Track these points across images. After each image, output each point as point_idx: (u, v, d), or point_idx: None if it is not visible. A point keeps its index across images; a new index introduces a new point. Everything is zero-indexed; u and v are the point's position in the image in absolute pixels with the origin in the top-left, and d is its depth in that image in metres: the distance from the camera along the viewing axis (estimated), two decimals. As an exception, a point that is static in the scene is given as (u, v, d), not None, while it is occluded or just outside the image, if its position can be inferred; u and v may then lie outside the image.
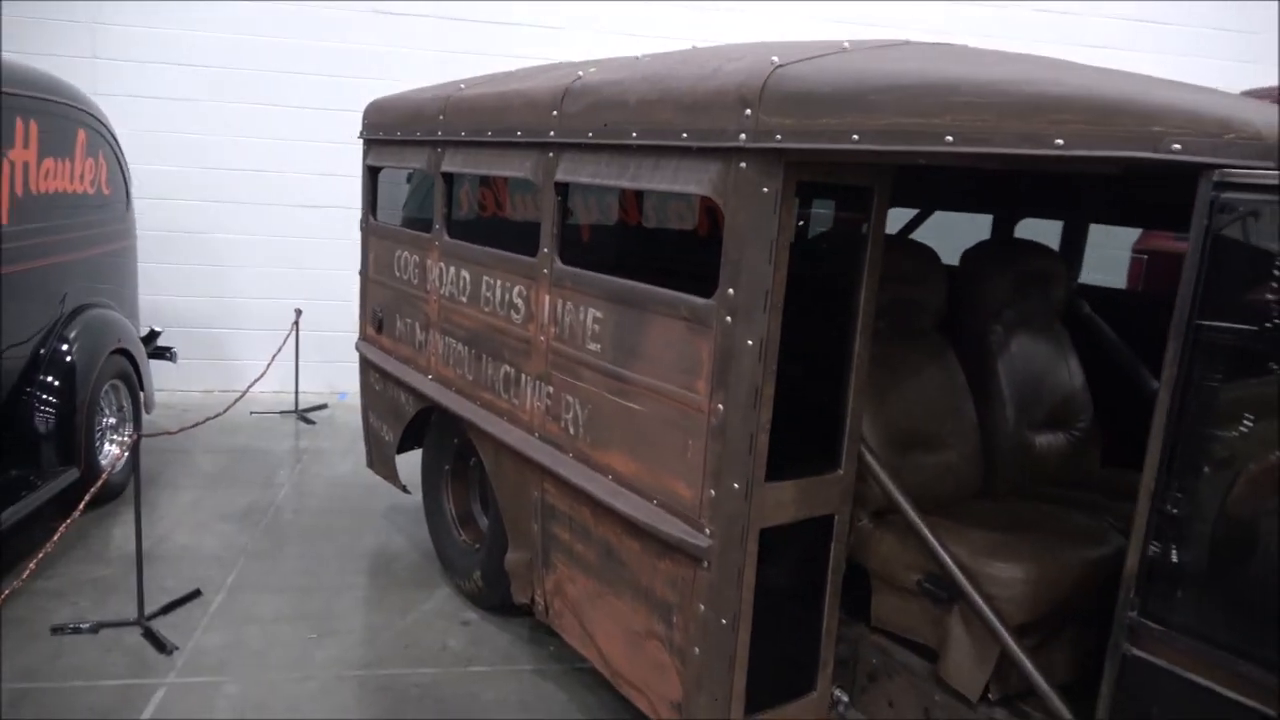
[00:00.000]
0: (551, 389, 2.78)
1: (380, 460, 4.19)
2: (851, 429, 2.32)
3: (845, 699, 2.51)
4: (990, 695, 2.24)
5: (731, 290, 2.08)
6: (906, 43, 2.21)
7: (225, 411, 4.81)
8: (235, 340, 6.58)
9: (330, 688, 3.06)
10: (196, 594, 3.59)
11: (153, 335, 5.28)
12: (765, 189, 2.01)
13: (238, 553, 4.01)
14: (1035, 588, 2.18)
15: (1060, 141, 1.59)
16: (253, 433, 5.78)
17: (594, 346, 2.56)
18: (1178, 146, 1.51)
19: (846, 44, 2.12)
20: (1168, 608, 1.61)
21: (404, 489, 4.10)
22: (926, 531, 2.25)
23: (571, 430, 2.70)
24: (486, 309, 3.12)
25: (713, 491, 2.17)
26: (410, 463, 4.02)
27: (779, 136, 1.95)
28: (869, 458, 2.36)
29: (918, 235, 3.85)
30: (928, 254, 2.79)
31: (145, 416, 4.89)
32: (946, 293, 2.80)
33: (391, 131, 3.79)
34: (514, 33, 6.40)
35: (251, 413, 6.06)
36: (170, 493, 4.65)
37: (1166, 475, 1.58)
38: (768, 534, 2.22)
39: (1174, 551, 1.60)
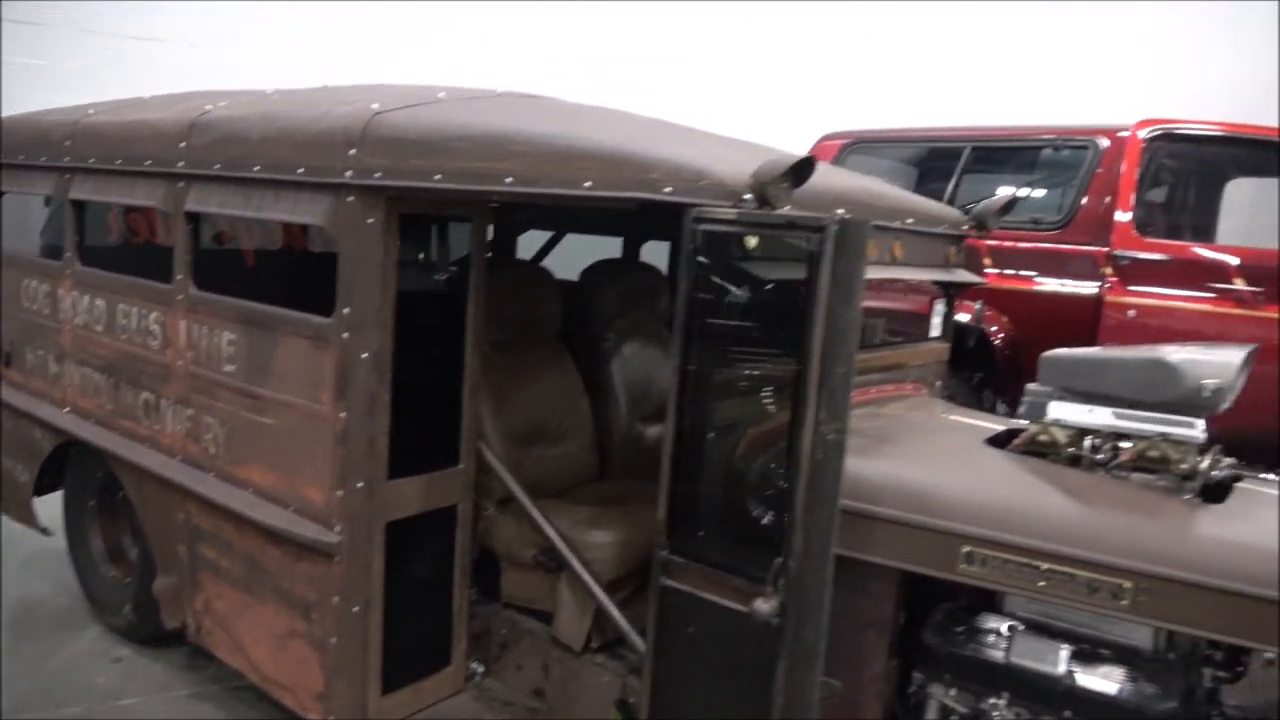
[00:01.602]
0: (191, 411, 2.86)
1: (16, 504, 3.93)
2: (468, 427, 2.65)
3: (480, 669, 2.83)
4: (592, 644, 2.65)
5: (347, 310, 2.33)
6: (497, 94, 2.59)
7: None
8: None
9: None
10: None
11: None
12: (370, 220, 2.29)
13: None
14: (622, 549, 2.63)
15: (588, 184, 2.02)
16: None
17: (229, 368, 2.70)
18: (669, 189, 1.99)
19: (442, 94, 2.46)
20: (686, 544, 2.07)
21: (45, 531, 3.88)
22: (535, 511, 2.63)
23: (212, 450, 2.80)
24: (124, 337, 3.12)
25: (340, 492, 2.40)
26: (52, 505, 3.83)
27: (378, 175, 2.24)
28: (487, 452, 2.71)
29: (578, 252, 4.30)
30: (542, 273, 3.22)
31: None
32: (561, 305, 3.24)
33: (16, 155, 3.63)
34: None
35: None
36: None
37: (678, 443, 2.04)
38: (395, 527, 2.50)
39: (687, 501, 2.08)
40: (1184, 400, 2.03)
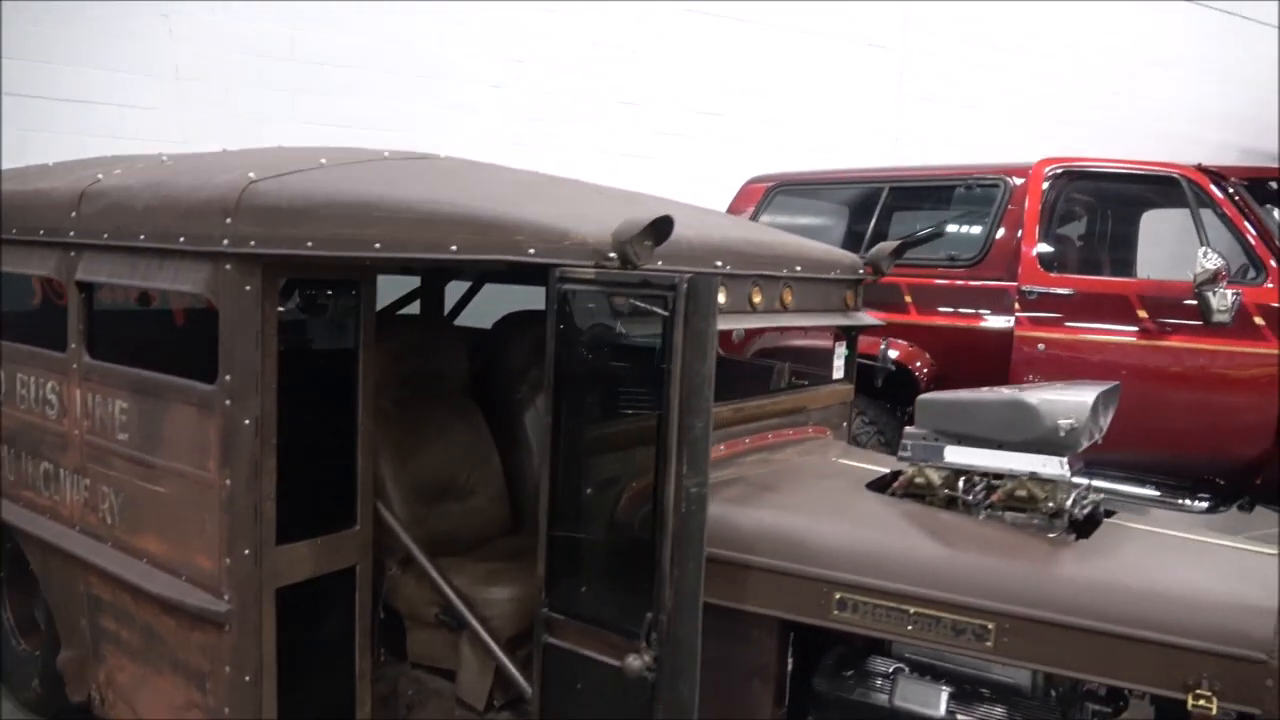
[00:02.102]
0: (88, 481, 2.84)
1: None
2: (364, 488, 2.64)
3: (390, 731, 2.80)
4: (495, 703, 2.64)
5: (228, 376, 2.33)
6: (384, 157, 2.63)
7: None
8: None
9: None
10: None
11: None
12: (248, 287, 2.30)
13: None
14: (521, 605, 2.63)
15: (455, 248, 2.06)
16: None
17: (123, 436, 2.68)
18: (533, 251, 2.03)
19: (324, 159, 2.49)
20: (565, 601, 2.08)
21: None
22: (432, 570, 2.62)
23: (109, 520, 2.77)
24: (22, 406, 3.09)
25: (228, 560, 2.39)
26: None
27: (253, 243, 2.26)
28: (385, 512, 2.70)
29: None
30: (446, 328, 3.24)
31: None
32: (467, 359, 3.26)
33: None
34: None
35: None
36: None
37: (553, 500, 2.06)
38: (286, 592, 2.48)
39: (564, 557, 2.09)
40: (1043, 440, 2.08)
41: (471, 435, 3.22)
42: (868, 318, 3.24)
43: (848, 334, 3.28)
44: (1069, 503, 2.10)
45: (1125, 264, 5.40)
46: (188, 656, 2.56)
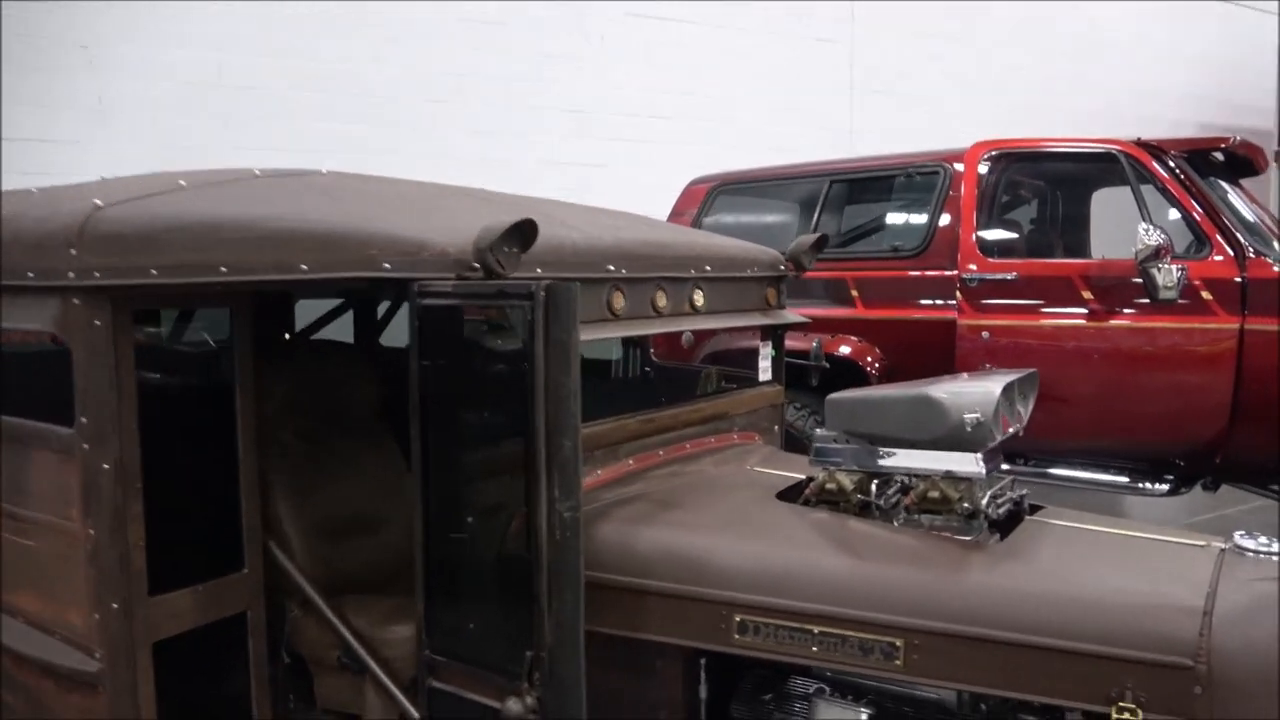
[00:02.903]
0: (-39, 537, 2.66)
1: None
2: (250, 529, 2.48)
3: (301, 783, 2.63)
4: None
5: (84, 419, 2.16)
6: (255, 175, 2.47)
7: None
8: None
9: None
10: None
11: None
12: (97, 322, 2.13)
13: None
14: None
15: (305, 267, 1.90)
16: None
17: (-13, 487, 2.51)
18: (388, 265, 1.87)
19: (183, 181, 2.33)
20: (447, 642, 1.92)
21: None
22: (327, 611, 2.46)
23: (-13, 577, 2.59)
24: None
25: (97, 615, 2.21)
26: None
27: (98, 274, 2.09)
28: (277, 552, 2.53)
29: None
30: (348, 352, 3.07)
31: None
32: (384, 383, 3.09)
33: None
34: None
35: None
36: None
37: (426, 533, 1.90)
38: (169, 645, 2.31)
39: (443, 595, 1.93)
40: (951, 436, 1.94)
41: (383, 465, 3.05)
42: (791, 315, 3.10)
43: (773, 334, 3.14)
44: (984, 502, 1.95)
45: (1079, 246, 5.29)
46: (67, 713, 2.38)
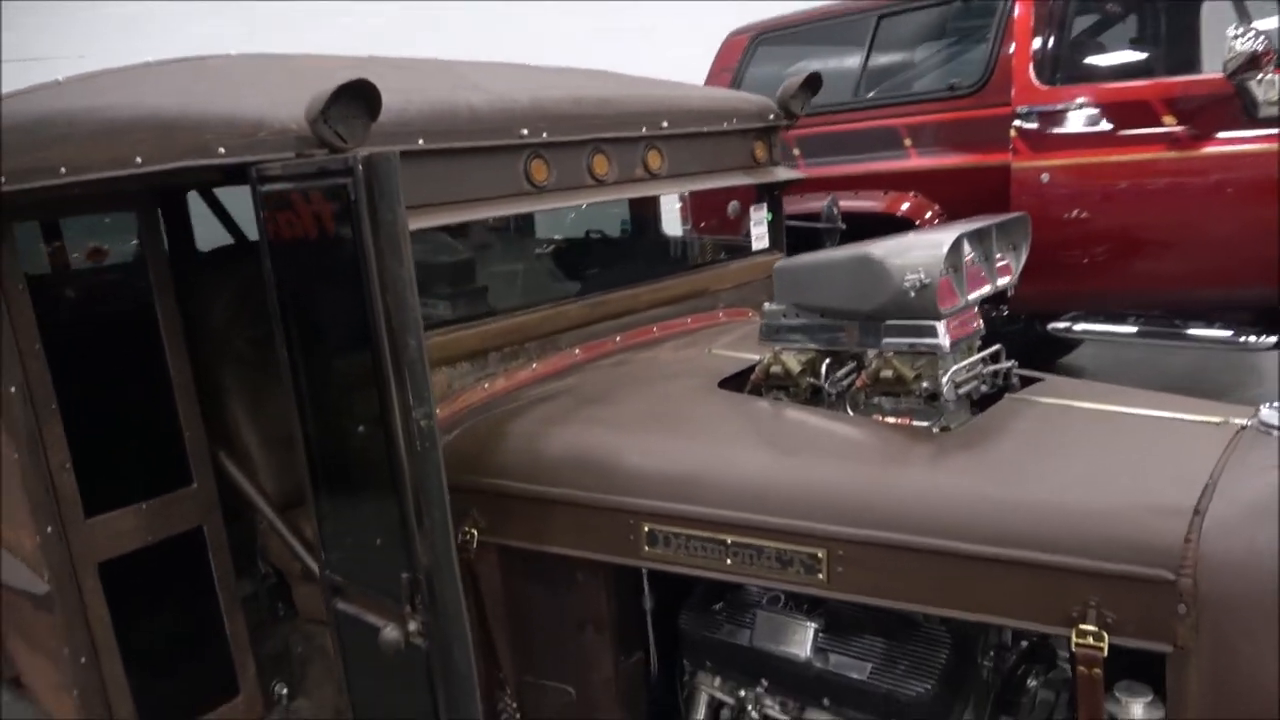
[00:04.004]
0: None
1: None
2: (194, 442, 2.37)
3: (284, 690, 2.61)
4: None
5: (-15, 341, 2.07)
6: (145, 66, 2.24)
7: None
8: None
9: None
10: None
11: None
12: (-29, 237, 2.00)
13: None
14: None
15: (139, 160, 1.69)
16: None
17: (-52, 414, 2.49)
18: (223, 150, 1.63)
19: (61, 78, 2.14)
20: (345, 563, 1.77)
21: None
22: (276, 520, 2.36)
23: (-33, 500, 2.62)
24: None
25: (38, 538, 2.17)
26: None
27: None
28: (227, 463, 2.44)
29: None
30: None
31: None
32: None
33: None
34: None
35: None
36: None
37: (306, 445, 1.72)
38: (116, 565, 2.26)
39: (332, 511, 1.77)
40: (896, 303, 1.59)
41: None
42: (786, 172, 2.71)
43: (767, 194, 2.77)
44: (944, 380, 1.60)
45: (1187, 66, 4.53)
46: (43, 638, 2.40)
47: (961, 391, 1.63)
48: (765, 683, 1.74)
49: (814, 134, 4.72)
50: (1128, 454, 1.43)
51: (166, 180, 1.77)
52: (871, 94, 4.69)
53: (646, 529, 1.63)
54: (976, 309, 1.73)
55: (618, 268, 2.98)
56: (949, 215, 4.20)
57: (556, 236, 3.43)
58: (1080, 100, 3.56)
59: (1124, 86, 3.69)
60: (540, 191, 2.07)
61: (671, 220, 5.54)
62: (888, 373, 1.66)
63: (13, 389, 2.07)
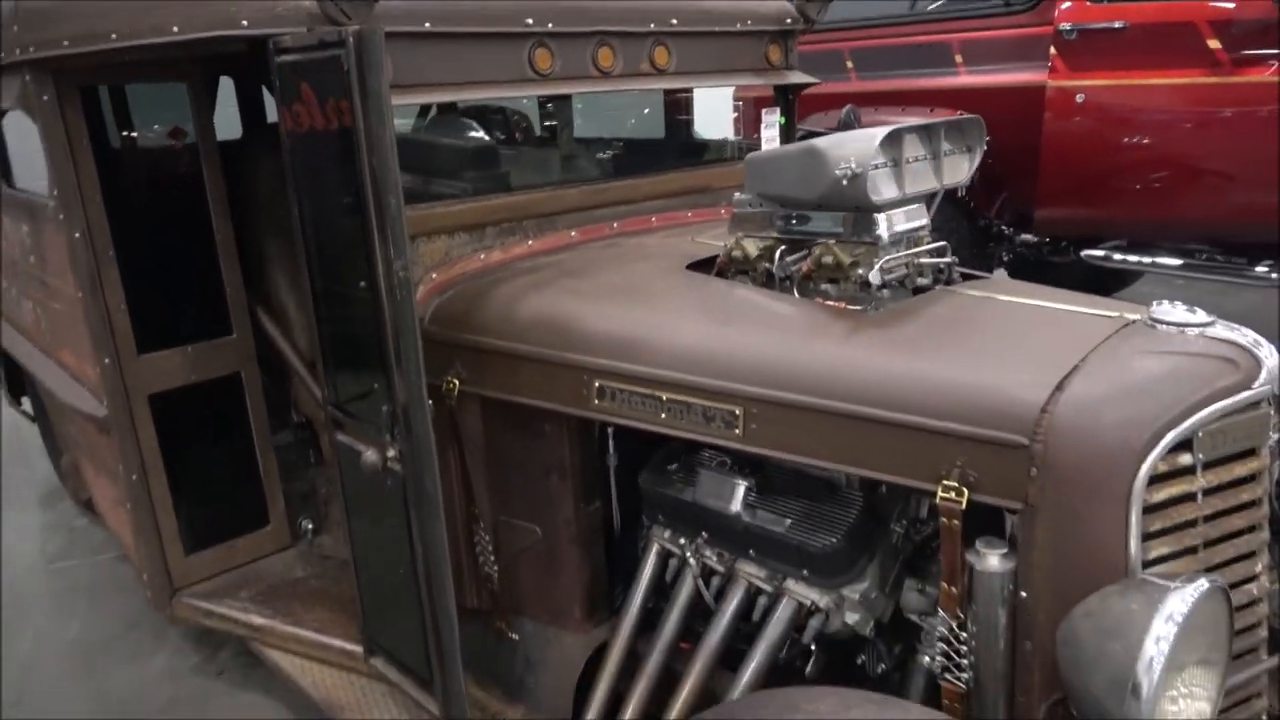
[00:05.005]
0: (31, 304, 3.04)
1: (11, 394, 4.38)
2: (233, 297, 2.65)
3: (310, 526, 2.94)
4: None
5: (56, 190, 2.35)
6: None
7: None
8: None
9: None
10: None
11: None
12: (45, 97, 2.26)
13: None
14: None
15: (176, 29, 1.90)
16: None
17: (31, 259, 2.82)
18: (245, 23, 1.84)
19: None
20: (342, 398, 2.02)
21: (31, 418, 4.32)
22: (304, 372, 2.64)
23: (47, 337, 2.98)
24: (6, 244, 3.32)
25: (97, 369, 2.50)
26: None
27: (32, 49, 2.20)
28: (264, 318, 2.72)
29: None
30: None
31: None
32: None
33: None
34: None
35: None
36: None
37: (314, 291, 1.96)
38: (164, 398, 2.58)
39: (335, 352, 2.01)
40: (834, 193, 1.72)
41: None
42: (798, 76, 2.79)
43: (781, 98, 2.86)
44: (874, 269, 1.74)
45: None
46: (106, 457, 2.76)
47: (889, 278, 1.76)
48: (705, 535, 1.95)
49: (868, 47, 4.70)
50: (1017, 338, 1.56)
51: (203, 49, 1.99)
52: (932, 6, 4.63)
53: (597, 384, 1.83)
54: (925, 204, 1.85)
55: (630, 162, 3.12)
56: (996, 138, 4.18)
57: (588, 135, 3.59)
58: (1123, 20, 3.49)
59: (1169, 5, 3.59)
60: (543, 79, 2.22)
61: (723, 128, 5.59)
62: (828, 259, 1.80)
63: (77, 234, 2.36)
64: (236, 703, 2.67)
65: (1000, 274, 4.46)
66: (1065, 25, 3.59)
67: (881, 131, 1.67)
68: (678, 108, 3.44)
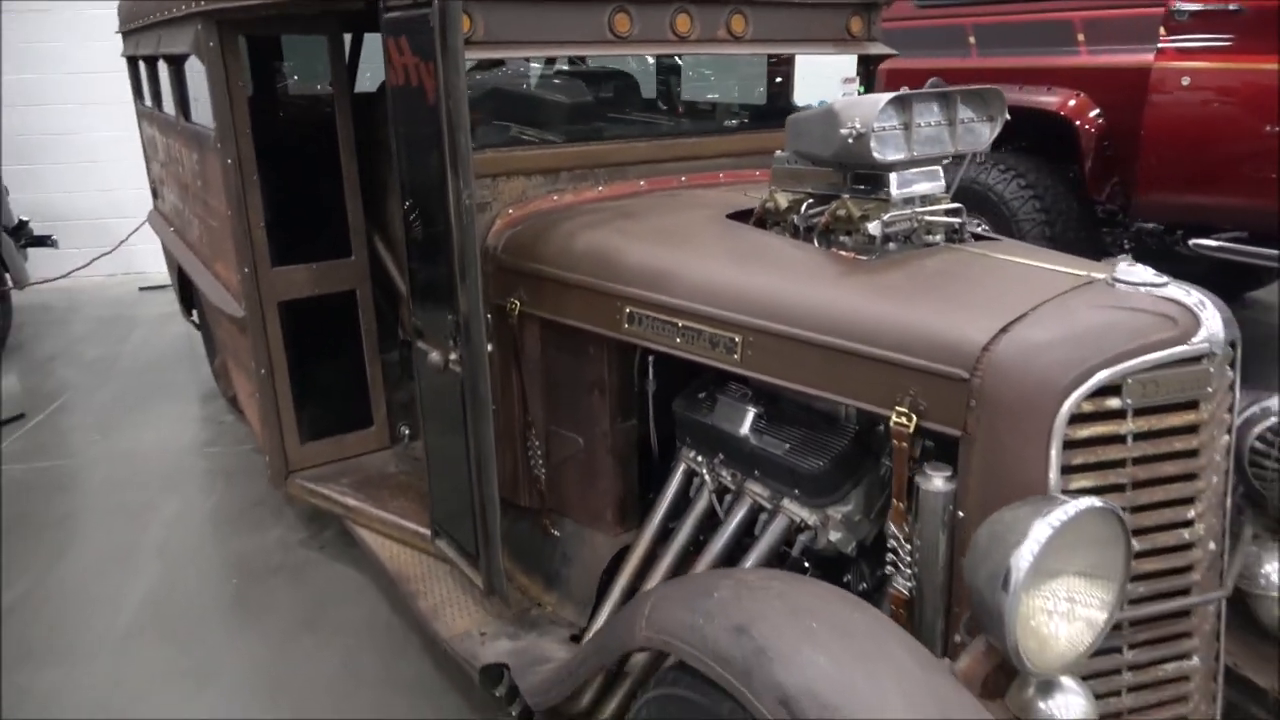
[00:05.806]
0: (196, 220, 3.57)
1: (184, 307, 5.06)
2: (354, 225, 3.06)
3: (407, 431, 3.35)
4: None
5: (216, 123, 2.80)
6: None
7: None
8: (125, 228, 7.44)
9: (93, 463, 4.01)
10: (19, 417, 4.57)
11: (22, 225, 6.14)
12: (211, 43, 2.70)
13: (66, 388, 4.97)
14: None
15: (302, -11, 2.27)
16: (130, 304, 6.71)
17: (198, 183, 3.33)
18: (363, -17, 2.18)
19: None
20: (424, 314, 2.36)
21: (197, 326, 4.98)
22: (406, 291, 3.01)
23: (206, 250, 3.50)
24: (173, 168, 3.89)
25: (238, 277, 2.96)
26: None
27: (203, 2, 2.63)
28: (380, 246, 3.11)
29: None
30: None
31: (17, 291, 5.83)
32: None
33: (128, 23, 4.48)
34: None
35: (140, 289, 6.99)
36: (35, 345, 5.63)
37: (408, 231, 2.29)
38: (290, 305, 3.02)
39: (422, 279, 2.35)
40: (844, 151, 1.90)
41: None
42: (878, 47, 2.93)
43: (862, 69, 3.00)
44: (877, 223, 1.91)
45: None
46: (241, 352, 3.25)
47: (894, 232, 1.93)
48: (721, 455, 2.19)
49: (993, 23, 4.69)
50: (986, 289, 1.71)
51: (331, 7, 2.36)
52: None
53: (628, 310, 2.10)
54: (941, 166, 2.00)
55: (714, 125, 3.34)
56: (1108, 121, 4.13)
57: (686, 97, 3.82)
58: (1238, 3, 3.40)
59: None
60: (621, 40, 2.48)
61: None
62: (842, 212, 1.99)
63: (229, 161, 2.81)
64: (331, 572, 3.13)
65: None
66: (1178, 5, 3.53)
67: (888, 95, 1.84)
68: (776, 73, 3.62)
